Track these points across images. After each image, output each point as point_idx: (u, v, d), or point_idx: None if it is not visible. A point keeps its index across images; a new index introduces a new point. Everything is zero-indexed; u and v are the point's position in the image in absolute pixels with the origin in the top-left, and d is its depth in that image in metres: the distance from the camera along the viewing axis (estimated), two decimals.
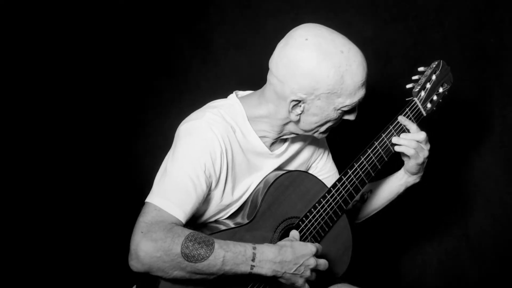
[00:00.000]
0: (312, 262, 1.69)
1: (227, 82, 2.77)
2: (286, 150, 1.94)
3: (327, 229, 1.92)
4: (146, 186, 1.78)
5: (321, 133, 1.84)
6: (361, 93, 1.75)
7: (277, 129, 1.83)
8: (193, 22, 2.76)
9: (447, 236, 3.01)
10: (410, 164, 1.97)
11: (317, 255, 1.72)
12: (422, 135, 1.92)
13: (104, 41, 2.65)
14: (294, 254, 1.66)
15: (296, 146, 1.99)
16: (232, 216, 1.88)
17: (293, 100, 1.71)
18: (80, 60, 2.61)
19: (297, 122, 1.78)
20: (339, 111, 1.75)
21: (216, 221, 1.87)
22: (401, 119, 1.94)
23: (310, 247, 1.70)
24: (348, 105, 1.74)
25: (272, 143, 1.88)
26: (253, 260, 1.61)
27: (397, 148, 1.94)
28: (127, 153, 2.72)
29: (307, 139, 2.02)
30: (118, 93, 2.69)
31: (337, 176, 2.12)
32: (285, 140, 1.94)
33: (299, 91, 1.69)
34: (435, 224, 3.02)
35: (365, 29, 2.82)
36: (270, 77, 1.76)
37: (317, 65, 1.65)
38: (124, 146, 2.71)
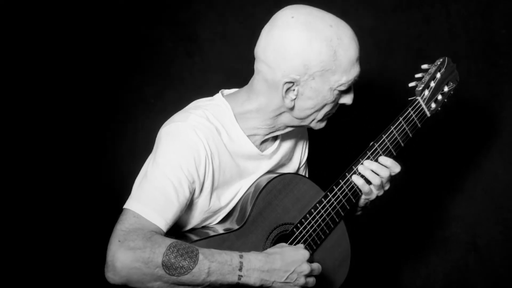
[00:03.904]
0: (305, 268, 1.70)
1: (214, 76, 2.77)
2: (278, 149, 1.95)
3: (323, 237, 1.92)
4: (124, 191, 1.77)
5: (318, 121, 1.84)
6: (356, 69, 1.76)
7: (269, 123, 1.83)
8: (175, 10, 2.76)
9: (453, 246, 3.02)
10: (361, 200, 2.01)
11: (310, 260, 1.73)
12: (397, 169, 1.94)
13: (77, 32, 2.64)
14: (283, 261, 1.67)
15: (288, 144, 2.00)
16: (221, 222, 1.88)
17: (287, 83, 1.72)
18: (52, 55, 2.60)
19: (292, 109, 1.78)
20: (336, 92, 1.76)
21: (205, 227, 1.87)
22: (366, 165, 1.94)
23: (302, 252, 1.71)
24: (344, 83, 1.75)
25: (263, 142, 1.89)
26: (240, 269, 1.61)
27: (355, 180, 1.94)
28: (103, 156, 2.70)
29: (297, 135, 2.03)
30: (93, 90, 2.67)
31: None
32: (275, 138, 1.95)
33: (292, 73, 1.70)
34: (440, 232, 3.03)
35: (364, 19, 2.83)
36: (258, 65, 1.77)
37: (308, 43, 1.68)
38: (100, 148, 2.69)
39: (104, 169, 2.70)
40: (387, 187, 1.98)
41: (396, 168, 1.93)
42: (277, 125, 1.85)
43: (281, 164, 2.00)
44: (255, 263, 1.64)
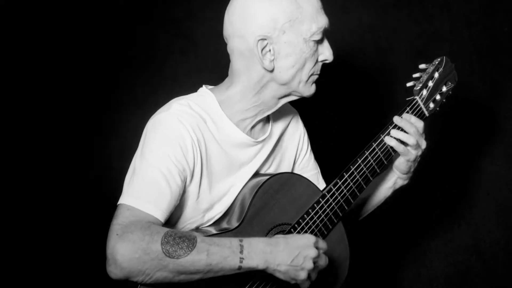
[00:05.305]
0: (312, 252, 1.67)
1: (209, 75, 2.76)
2: (271, 136, 1.97)
3: (321, 238, 1.92)
4: (117, 189, 1.78)
5: (306, 83, 1.84)
6: (323, 17, 1.80)
7: (255, 100, 1.85)
8: (169, 6, 2.76)
9: (455, 247, 3.03)
10: (400, 160, 2.02)
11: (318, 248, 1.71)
12: (420, 124, 1.97)
13: (70, 29, 2.64)
14: (287, 244, 1.66)
15: (279, 127, 2.02)
16: (216, 223, 1.89)
17: (260, 40, 1.75)
18: (45, 53, 2.61)
19: (273, 72, 1.80)
20: (311, 43, 1.79)
21: (197, 229, 1.87)
22: (397, 119, 1.97)
23: (308, 237, 1.69)
24: (316, 31, 1.78)
25: (253, 127, 1.91)
26: (241, 252, 1.61)
27: (388, 141, 1.96)
28: (96, 154, 2.71)
29: (288, 117, 2.05)
30: (85, 88, 2.67)
31: (320, 175, 2.19)
32: (267, 120, 1.96)
33: (262, 31, 1.74)
34: (442, 234, 3.04)
35: (363, 16, 2.84)
36: (230, 44, 1.82)
37: None
38: (92, 146, 2.70)
39: (99, 167, 2.70)
40: (423, 145, 1.98)
41: (419, 123, 1.96)
42: (265, 101, 1.86)
43: (275, 154, 2.01)
44: (256, 245, 1.64)
